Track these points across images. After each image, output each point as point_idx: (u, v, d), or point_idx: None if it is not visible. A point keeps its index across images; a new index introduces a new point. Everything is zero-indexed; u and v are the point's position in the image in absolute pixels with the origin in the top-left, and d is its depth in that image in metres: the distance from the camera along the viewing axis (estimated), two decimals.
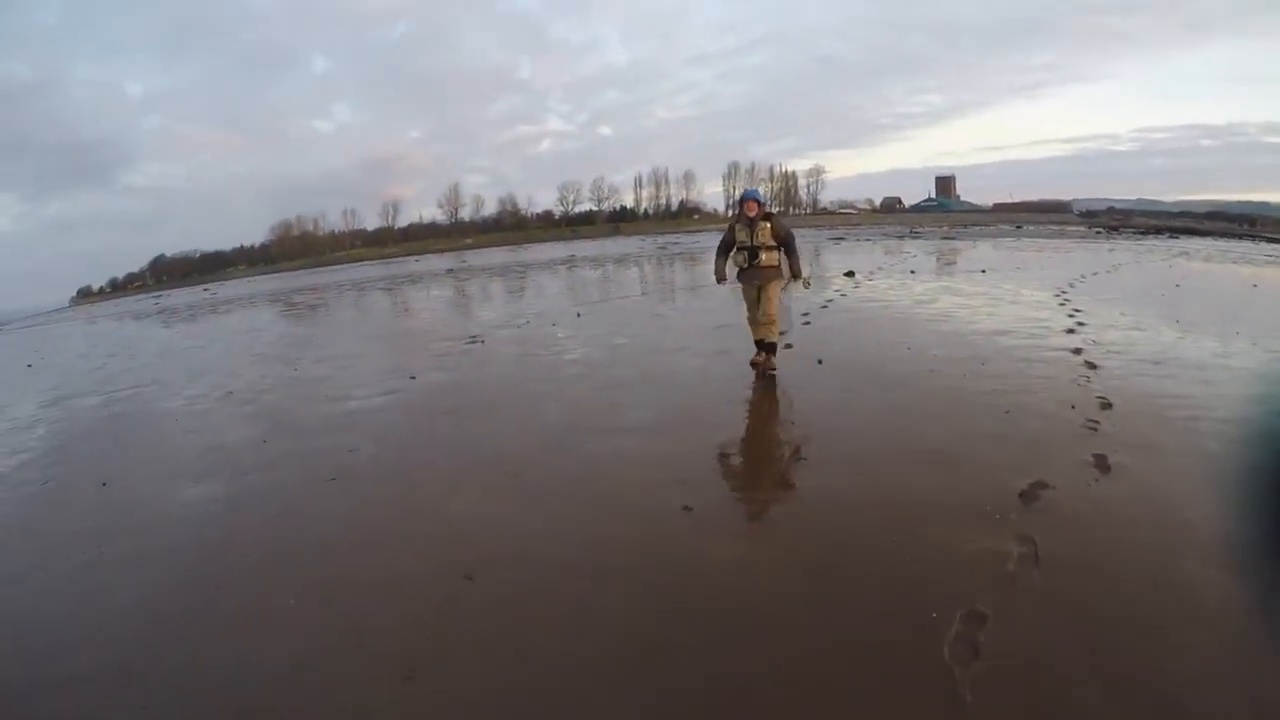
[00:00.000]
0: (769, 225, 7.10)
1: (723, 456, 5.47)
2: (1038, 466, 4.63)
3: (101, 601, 3.92)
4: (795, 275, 7.27)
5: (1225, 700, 2.59)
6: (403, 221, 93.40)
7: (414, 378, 8.54)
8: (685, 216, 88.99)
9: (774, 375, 7.24)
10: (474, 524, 4.41)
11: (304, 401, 7.99)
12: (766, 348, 7.28)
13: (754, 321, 7.29)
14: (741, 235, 7.14)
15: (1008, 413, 5.83)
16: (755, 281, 7.18)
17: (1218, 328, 9.94)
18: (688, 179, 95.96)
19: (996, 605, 3.13)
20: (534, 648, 3.07)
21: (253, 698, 2.91)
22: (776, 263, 7.17)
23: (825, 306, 12.19)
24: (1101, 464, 4.72)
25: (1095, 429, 5.40)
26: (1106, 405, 5.96)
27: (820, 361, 7.78)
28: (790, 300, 7.11)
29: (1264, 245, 45.18)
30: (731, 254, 7.26)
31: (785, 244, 7.16)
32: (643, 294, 17.82)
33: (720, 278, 7.50)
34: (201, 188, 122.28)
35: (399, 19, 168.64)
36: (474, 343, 10.81)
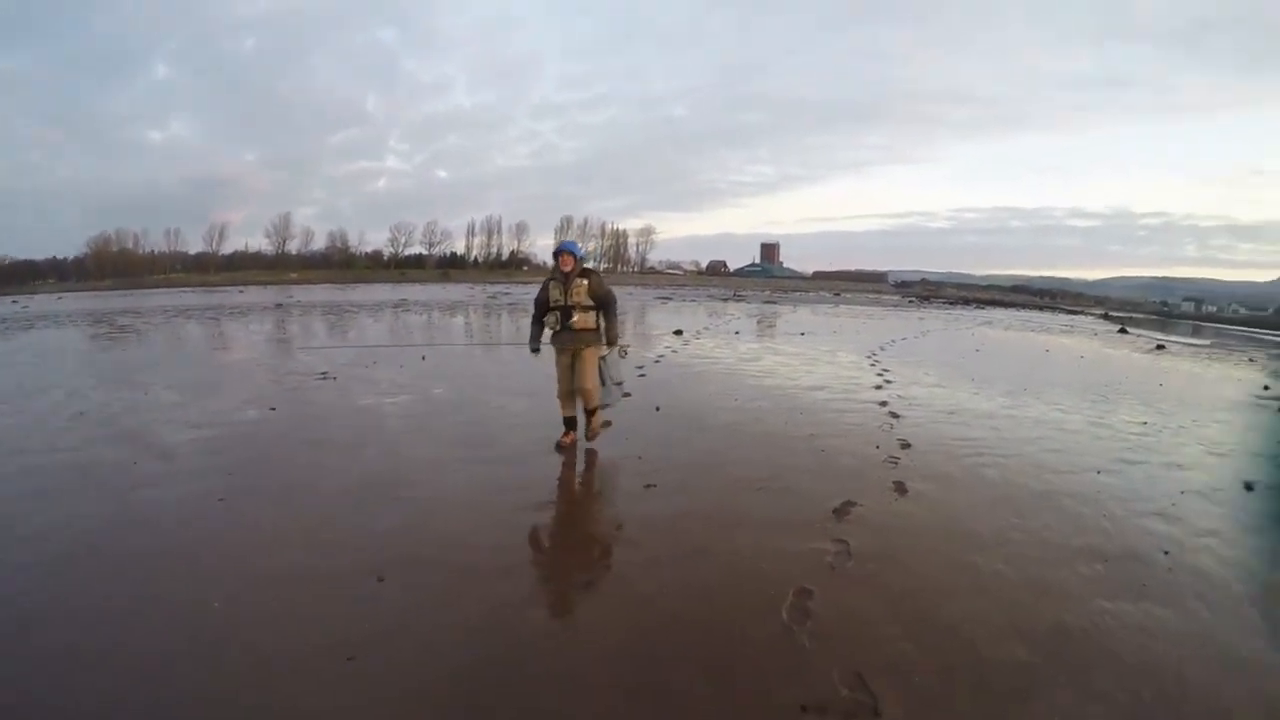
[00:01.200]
0: (586, 283, 6.89)
1: (581, 484, 6.44)
2: (848, 491, 6.01)
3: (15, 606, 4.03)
4: (610, 341, 7.07)
5: (994, 629, 3.89)
6: (228, 248, 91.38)
7: (274, 409, 8.87)
8: (515, 267, 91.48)
9: (608, 425, 7.43)
10: (371, 535, 5.01)
11: (165, 426, 7.97)
12: (588, 412, 7.12)
13: (565, 394, 7.16)
14: (555, 294, 6.94)
15: (823, 451, 7.30)
16: (569, 346, 6.98)
17: (1009, 386, 12.43)
18: (520, 230, 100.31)
19: (820, 584, 4.32)
20: (451, 629, 3.81)
21: (199, 686, 3.31)
22: (594, 325, 6.97)
23: (658, 361, 13.74)
24: (900, 489, 6.21)
25: (896, 464, 6.95)
26: (906, 445, 7.60)
27: (658, 409, 9.03)
28: (614, 369, 7.26)
29: (1061, 316, 52.29)
30: (546, 315, 7.08)
31: (603, 305, 6.97)
32: (482, 340, 18.57)
33: (534, 347, 7.27)
34: (19, 187, 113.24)
35: (252, 32, 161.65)
36: (325, 379, 11.16)
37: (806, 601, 4.11)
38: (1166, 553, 5.11)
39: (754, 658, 3.58)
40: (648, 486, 6.09)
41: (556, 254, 7.03)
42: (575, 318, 6.87)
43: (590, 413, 7.11)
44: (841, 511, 5.56)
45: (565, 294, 6.89)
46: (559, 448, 7.11)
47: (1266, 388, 14.84)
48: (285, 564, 4.53)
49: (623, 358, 7.56)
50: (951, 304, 62.47)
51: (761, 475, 6.43)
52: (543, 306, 7.07)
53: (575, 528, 5.46)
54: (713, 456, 7.06)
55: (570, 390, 7.09)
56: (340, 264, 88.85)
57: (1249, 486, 6.87)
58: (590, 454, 7.05)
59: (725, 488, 6.10)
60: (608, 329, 7.02)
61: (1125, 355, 21.82)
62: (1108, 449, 8.04)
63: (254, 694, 3.23)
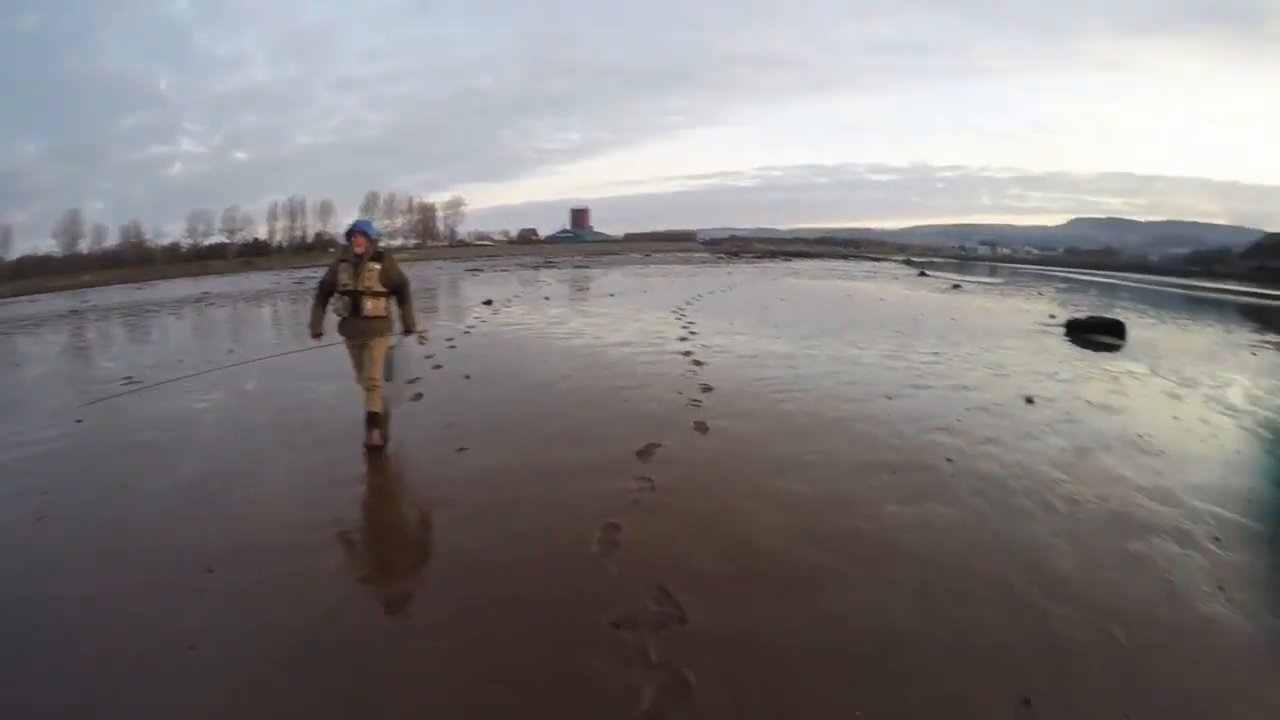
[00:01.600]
0: (379, 268, 6.39)
1: (395, 456, 6.34)
2: (652, 434, 6.37)
3: None
4: (408, 329, 6.65)
5: (791, 538, 4.33)
6: (14, 254, 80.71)
7: (79, 421, 8.23)
8: (321, 249, 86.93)
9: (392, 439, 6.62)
10: (196, 530, 4.84)
11: None
12: (373, 420, 6.50)
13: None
14: (345, 277, 6.39)
15: (628, 401, 7.65)
16: (358, 338, 6.51)
17: (809, 330, 13.29)
18: (325, 209, 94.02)
19: (626, 519, 4.62)
20: (281, 606, 3.82)
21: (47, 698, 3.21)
22: (384, 313, 6.51)
23: (467, 332, 13.58)
24: (702, 428, 6.64)
25: (699, 406, 7.38)
26: (708, 389, 8.06)
27: (467, 377, 9.03)
28: (403, 354, 6.90)
29: (865, 264, 55.46)
30: (332, 299, 6.52)
31: (397, 291, 6.54)
32: (289, 328, 17.81)
33: (316, 331, 6.63)
34: None
35: (34, 8, 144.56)
36: (130, 384, 10.43)
37: (614, 535, 4.39)
38: (950, 460, 5.77)
39: (566, 588, 3.82)
40: (459, 450, 6.18)
41: (349, 234, 6.52)
42: (366, 305, 6.39)
43: (375, 420, 6.50)
44: (645, 453, 5.88)
45: (356, 278, 6.36)
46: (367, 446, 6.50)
47: (1053, 316, 16.52)
48: (115, 569, 4.36)
49: (421, 344, 7.43)
50: (759, 258, 65.25)
51: (569, 428, 6.67)
52: (329, 288, 6.51)
53: (392, 496, 5.54)
54: (522, 416, 7.25)
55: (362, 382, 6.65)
56: (136, 261, 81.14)
57: (1029, 400, 7.69)
58: (402, 427, 6.87)
59: (535, 443, 6.30)
60: (405, 315, 6.59)
61: (922, 296, 23.63)
62: (900, 378, 8.83)
63: (101, 696, 3.17)
